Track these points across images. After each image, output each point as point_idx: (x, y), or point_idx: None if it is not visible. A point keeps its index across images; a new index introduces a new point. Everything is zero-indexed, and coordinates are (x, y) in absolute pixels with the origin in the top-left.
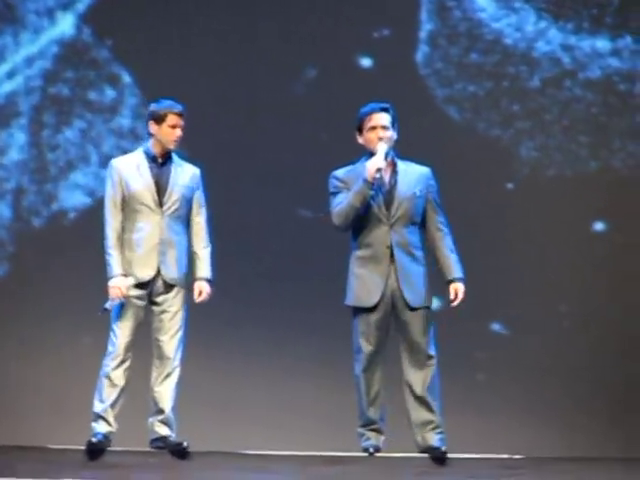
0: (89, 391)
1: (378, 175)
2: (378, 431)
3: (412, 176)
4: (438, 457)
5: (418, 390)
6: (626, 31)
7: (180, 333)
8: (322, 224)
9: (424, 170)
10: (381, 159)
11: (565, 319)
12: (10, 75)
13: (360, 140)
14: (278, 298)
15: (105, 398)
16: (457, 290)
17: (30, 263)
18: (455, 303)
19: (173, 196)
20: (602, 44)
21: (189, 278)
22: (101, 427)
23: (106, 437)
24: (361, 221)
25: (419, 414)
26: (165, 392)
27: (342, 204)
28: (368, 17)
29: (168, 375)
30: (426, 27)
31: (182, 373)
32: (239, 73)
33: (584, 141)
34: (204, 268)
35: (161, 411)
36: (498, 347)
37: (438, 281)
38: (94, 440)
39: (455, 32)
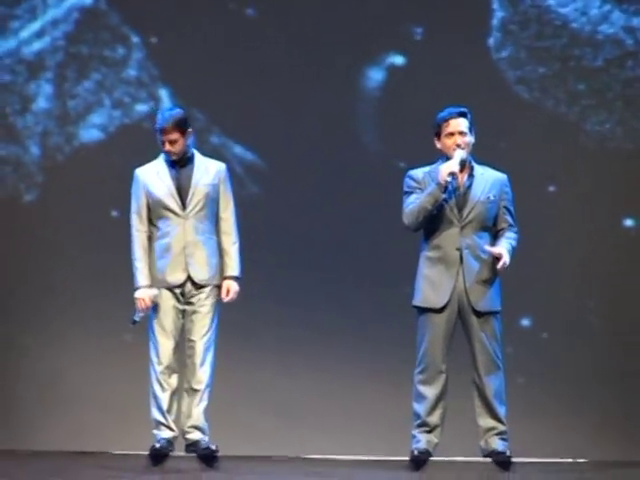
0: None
1: (450, 179)
2: (433, 434)
3: (487, 181)
4: (502, 461)
5: (486, 395)
6: None
7: (210, 334)
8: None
9: (500, 176)
10: (456, 164)
11: (616, 322)
12: (39, 35)
13: (438, 145)
14: (328, 299)
15: (161, 404)
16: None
17: (55, 191)
18: (498, 266)
19: (196, 197)
20: None
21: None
22: (163, 433)
23: (169, 442)
24: (432, 222)
25: (485, 420)
26: (196, 413)
27: (414, 204)
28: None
29: (200, 400)
30: (498, 15)
31: (223, 378)
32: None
33: None
34: (232, 266)
35: (191, 417)
36: (529, 345)
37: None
38: (157, 445)
39: (525, 18)
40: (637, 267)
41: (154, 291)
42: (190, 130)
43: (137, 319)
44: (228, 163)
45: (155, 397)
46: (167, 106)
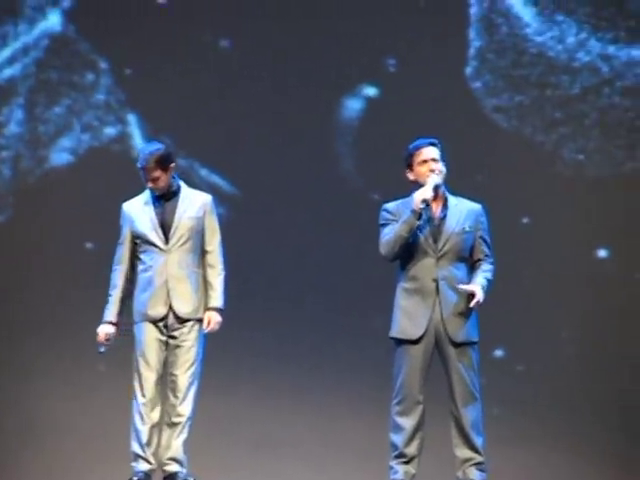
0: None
1: (424, 205)
2: (410, 465)
3: (462, 211)
4: None
5: (463, 426)
6: None
7: (194, 368)
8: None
9: (475, 206)
10: (429, 190)
11: (590, 352)
12: (11, 61)
13: (410, 176)
14: (303, 329)
15: (141, 436)
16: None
17: (26, 211)
18: (472, 303)
19: (180, 230)
20: (637, 53)
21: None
22: (141, 465)
23: (147, 475)
24: (408, 253)
25: (462, 451)
26: (175, 446)
27: (390, 234)
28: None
29: (180, 433)
30: (475, 44)
31: (202, 410)
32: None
33: (621, 143)
34: (215, 297)
35: (170, 449)
36: (503, 376)
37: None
38: (135, 478)
39: (502, 47)
40: (610, 298)
41: (110, 329)
42: (172, 165)
43: (101, 350)
44: (195, 186)
45: (135, 430)
46: (148, 144)
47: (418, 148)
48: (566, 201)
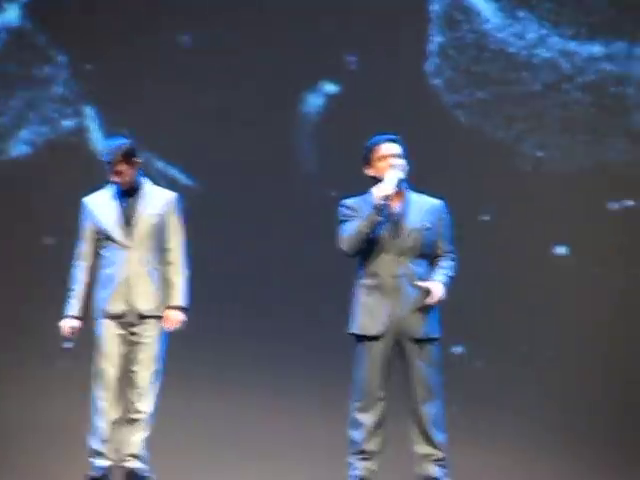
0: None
1: (385, 201)
2: (371, 462)
3: (423, 208)
4: None
5: (423, 424)
6: (620, 37)
7: (154, 365)
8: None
9: (436, 202)
10: (390, 186)
11: (547, 349)
12: None
13: (370, 172)
14: (261, 326)
15: (99, 432)
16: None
17: None
18: (427, 301)
19: (142, 227)
20: (598, 49)
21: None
22: (100, 461)
23: (106, 471)
24: (369, 250)
25: (422, 447)
26: (135, 442)
27: (350, 229)
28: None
29: (140, 430)
30: (435, 40)
31: (163, 407)
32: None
33: (580, 139)
34: (176, 296)
35: (130, 446)
36: (462, 373)
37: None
38: (93, 474)
39: (462, 43)
40: (569, 294)
41: (75, 323)
42: (138, 161)
43: (66, 345)
44: (151, 179)
45: (94, 425)
46: (113, 138)
47: (377, 144)
48: (526, 198)
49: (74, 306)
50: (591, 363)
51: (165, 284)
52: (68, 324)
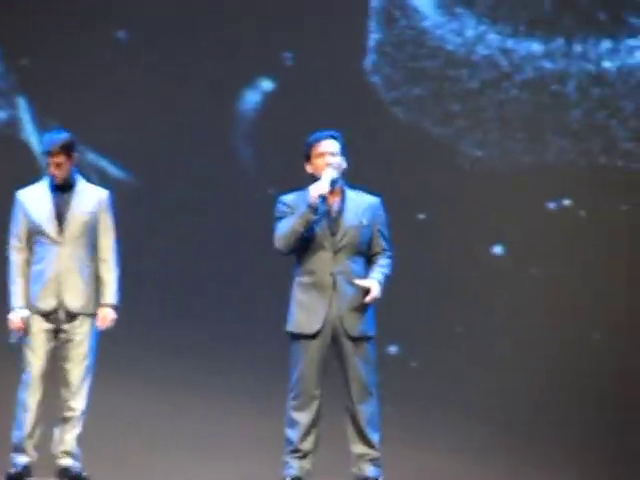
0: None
1: (320, 200)
2: (305, 460)
3: (360, 205)
4: None
5: (358, 422)
6: (559, 34)
7: (86, 362)
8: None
9: (373, 200)
10: (325, 184)
11: (484, 348)
12: None
13: (309, 169)
14: (197, 321)
15: (22, 428)
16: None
17: None
18: (367, 298)
19: (74, 224)
20: (536, 47)
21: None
22: (20, 458)
23: (26, 468)
24: (305, 247)
25: (357, 446)
26: (68, 440)
27: (285, 227)
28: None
29: (73, 427)
30: (373, 37)
31: (95, 403)
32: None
33: (519, 137)
34: (108, 294)
35: (63, 443)
36: (397, 373)
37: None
38: (13, 471)
39: (401, 40)
40: (504, 294)
41: (26, 312)
42: (76, 154)
43: (13, 340)
44: (82, 170)
45: (18, 420)
46: (53, 131)
47: (317, 140)
48: (463, 196)
49: (20, 297)
50: (528, 363)
51: (97, 281)
52: (20, 315)
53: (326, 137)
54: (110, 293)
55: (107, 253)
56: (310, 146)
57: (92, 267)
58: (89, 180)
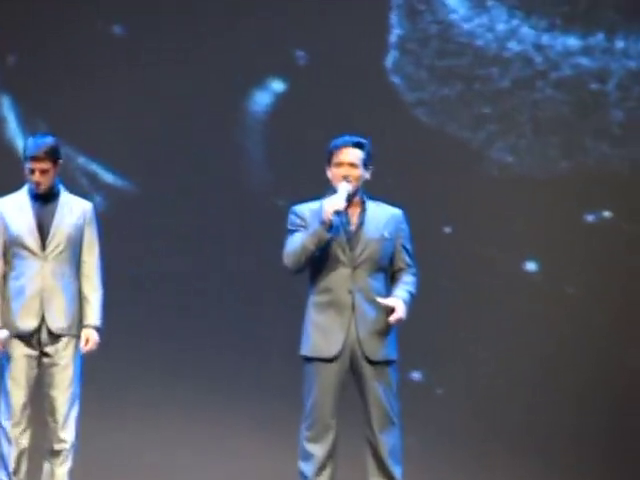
0: None
1: (335, 217)
2: None
3: (381, 217)
4: None
5: (379, 453)
6: (598, 29)
7: (72, 388)
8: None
9: (395, 212)
10: (341, 200)
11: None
12: None
13: (329, 174)
14: (203, 342)
15: (7, 464)
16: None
17: None
18: (391, 319)
19: (57, 237)
20: (573, 42)
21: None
22: None
23: None
24: (321, 263)
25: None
26: (60, 475)
27: (296, 244)
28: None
29: (64, 461)
30: (395, 32)
31: (87, 433)
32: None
33: (555, 141)
34: (92, 315)
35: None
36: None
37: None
38: None
39: (425, 35)
40: (538, 315)
41: (4, 332)
42: (60, 161)
43: None
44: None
45: (1, 455)
46: (39, 133)
47: (338, 147)
48: (493, 207)
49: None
50: (565, 392)
51: (81, 300)
52: (1, 336)
53: (347, 144)
54: (94, 314)
55: (91, 269)
56: (331, 152)
57: (76, 284)
58: (79, 185)
